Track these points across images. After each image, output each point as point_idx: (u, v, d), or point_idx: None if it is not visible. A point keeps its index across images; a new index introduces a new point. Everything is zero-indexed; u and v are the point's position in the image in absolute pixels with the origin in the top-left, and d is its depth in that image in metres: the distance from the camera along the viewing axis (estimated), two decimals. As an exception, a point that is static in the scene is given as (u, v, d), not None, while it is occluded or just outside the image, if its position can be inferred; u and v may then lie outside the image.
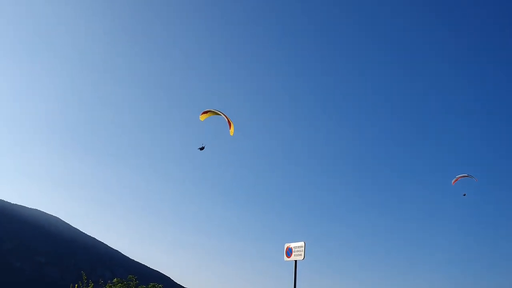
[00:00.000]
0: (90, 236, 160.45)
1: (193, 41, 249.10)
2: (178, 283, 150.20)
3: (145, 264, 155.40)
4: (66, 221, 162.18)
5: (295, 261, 13.22)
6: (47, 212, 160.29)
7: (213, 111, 23.40)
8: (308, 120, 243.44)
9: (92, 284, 14.22)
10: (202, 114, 23.48)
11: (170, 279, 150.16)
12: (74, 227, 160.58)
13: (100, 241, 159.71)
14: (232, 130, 23.21)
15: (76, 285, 14.19)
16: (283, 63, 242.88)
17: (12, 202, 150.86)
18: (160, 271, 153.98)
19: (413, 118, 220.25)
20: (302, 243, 13.04)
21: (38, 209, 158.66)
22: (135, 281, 15.25)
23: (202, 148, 24.32)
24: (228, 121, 23.28)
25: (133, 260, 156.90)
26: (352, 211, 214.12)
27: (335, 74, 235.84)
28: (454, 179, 35.37)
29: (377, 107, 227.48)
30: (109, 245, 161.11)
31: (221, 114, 23.28)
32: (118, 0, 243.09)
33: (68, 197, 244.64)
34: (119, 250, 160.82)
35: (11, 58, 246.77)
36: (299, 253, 12.93)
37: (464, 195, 36.85)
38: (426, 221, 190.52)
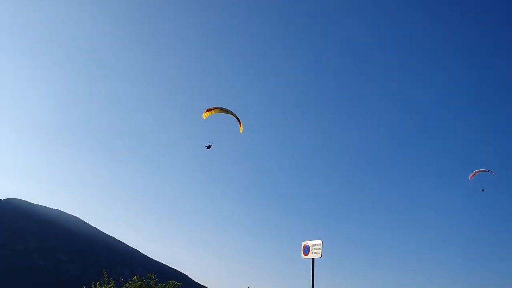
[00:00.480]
0: (109, 235, 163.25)
1: (203, 41, 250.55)
2: (196, 281, 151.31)
3: (163, 263, 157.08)
4: (85, 221, 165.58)
5: (313, 259, 13.14)
6: (67, 212, 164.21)
7: (218, 109, 22.81)
8: (320, 120, 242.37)
9: (113, 282, 14.45)
10: (205, 112, 22.85)
11: (188, 277, 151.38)
12: (93, 227, 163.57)
13: (119, 240, 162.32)
14: (241, 128, 22.89)
15: (97, 283, 14.45)
16: (291, 63, 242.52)
17: (34, 203, 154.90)
18: (178, 270, 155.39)
19: (425, 117, 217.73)
20: (319, 241, 12.92)
21: (59, 209, 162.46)
22: (155, 279, 15.43)
23: (209, 147, 23.62)
24: (237, 119, 22.96)
25: (152, 258, 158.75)
26: (370, 210, 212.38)
27: (347, 74, 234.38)
28: (472, 174, 34.36)
29: (391, 106, 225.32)
30: (128, 244, 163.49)
31: (229, 112, 22.87)
32: (129, 1, 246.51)
33: (87, 197, 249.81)
34: (138, 249, 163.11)
35: (30, 61, 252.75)
36: (317, 251, 12.82)
37: (483, 190, 35.82)
38: (441, 219, 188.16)
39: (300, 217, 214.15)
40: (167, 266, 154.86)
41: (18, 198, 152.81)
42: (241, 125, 22.84)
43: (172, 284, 15.71)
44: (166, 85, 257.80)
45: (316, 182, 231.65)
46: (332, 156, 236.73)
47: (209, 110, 22.73)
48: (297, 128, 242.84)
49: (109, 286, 14.54)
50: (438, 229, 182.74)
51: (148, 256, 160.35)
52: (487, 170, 33.98)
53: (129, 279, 15.26)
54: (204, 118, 22.69)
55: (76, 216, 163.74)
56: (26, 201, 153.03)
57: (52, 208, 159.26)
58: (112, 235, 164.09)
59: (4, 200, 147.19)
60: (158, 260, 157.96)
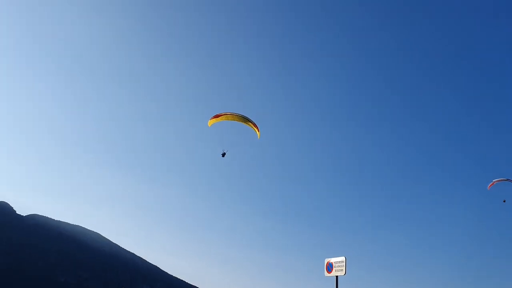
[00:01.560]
0: (129, 251, 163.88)
1: (233, 54, 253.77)
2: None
3: (183, 280, 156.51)
4: (106, 237, 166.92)
5: (336, 276, 12.71)
6: (88, 228, 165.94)
7: (228, 115, 20.89)
8: (343, 133, 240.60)
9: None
10: (212, 118, 21.04)
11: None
12: (114, 243, 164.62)
13: (139, 256, 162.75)
14: (259, 134, 21.57)
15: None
16: (314, 70, 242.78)
17: (56, 219, 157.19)
18: (198, 286, 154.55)
19: (442, 128, 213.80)
20: (343, 258, 12.52)
21: (80, 225, 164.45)
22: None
23: (223, 155, 22.68)
24: (254, 124, 21.49)
25: (172, 275, 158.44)
26: (394, 226, 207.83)
27: (367, 85, 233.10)
28: (491, 183, 33.15)
29: (413, 122, 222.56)
30: (148, 260, 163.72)
31: (240, 119, 21.13)
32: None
33: (108, 213, 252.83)
34: (158, 265, 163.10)
35: (54, 78, 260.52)
36: (340, 268, 12.52)
37: (504, 201, 34.56)
38: (464, 236, 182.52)
39: (323, 233, 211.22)
40: (187, 283, 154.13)
41: (40, 214, 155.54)
42: (259, 131, 21.45)
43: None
44: (184, 96, 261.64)
45: (340, 197, 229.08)
46: (357, 172, 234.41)
47: (216, 116, 21.00)
48: (321, 143, 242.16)
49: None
50: (460, 244, 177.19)
51: (168, 272, 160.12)
52: (508, 180, 32.72)
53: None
54: (209, 125, 21.01)
55: (97, 232, 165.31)
56: (48, 217, 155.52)
57: (73, 224, 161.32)
58: (132, 251, 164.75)
59: (26, 216, 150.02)
60: (178, 277, 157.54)
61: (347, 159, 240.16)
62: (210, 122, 21.25)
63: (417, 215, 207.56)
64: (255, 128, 21.66)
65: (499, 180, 32.63)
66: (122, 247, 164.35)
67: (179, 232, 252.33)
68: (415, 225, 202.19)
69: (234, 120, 21.35)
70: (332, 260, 12.75)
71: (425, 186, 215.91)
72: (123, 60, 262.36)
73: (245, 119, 21.44)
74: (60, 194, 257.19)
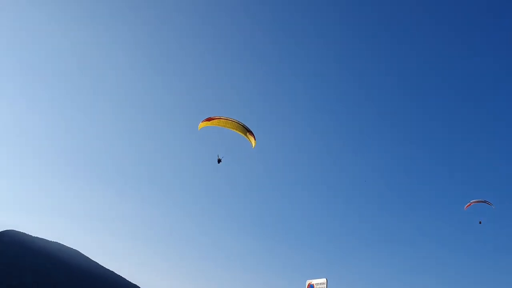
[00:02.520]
0: (109, 269, 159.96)
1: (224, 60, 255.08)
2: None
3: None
4: (85, 254, 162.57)
5: (318, 299, 12.07)
6: (67, 245, 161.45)
7: (221, 120, 19.49)
8: (322, 153, 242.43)
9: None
10: (203, 121, 19.92)
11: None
12: (94, 260, 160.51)
13: (119, 275, 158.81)
14: (254, 142, 19.97)
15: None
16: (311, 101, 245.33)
17: (33, 235, 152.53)
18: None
19: (431, 149, 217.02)
20: (324, 280, 12.17)
21: (59, 241, 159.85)
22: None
23: (219, 161, 21.74)
24: (250, 134, 20.19)
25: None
26: (374, 246, 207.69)
27: (360, 107, 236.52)
28: (467, 204, 32.94)
29: (402, 140, 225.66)
30: (128, 279, 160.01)
31: (234, 125, 19.88)
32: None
33: (87, 230, 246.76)
34: (138, 284, 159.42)
35: (34, 90, 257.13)
36: None
37: (480, 222, 34.24)
38: (451, 253, 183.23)
39: (304, 253, 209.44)
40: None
41: (16, 230, 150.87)
42: (254, 139, 20.00)
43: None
44: (170, 118, 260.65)
45: (321, 215, 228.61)
46: (339, 189, 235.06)
47: (208, 119, 19.74)
48: (308, 162, 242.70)
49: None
50: (446, 262, 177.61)
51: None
52: (485, 201, 32.58)
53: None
54: (199, 128, 19.79)
55: (76, 249, 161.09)
56: (24, 233, 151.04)
57: (51, 241, 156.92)
58: (112, 269, 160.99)
59: (1, 232, 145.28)
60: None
61: (333, 177, 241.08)
62: (201, 125, 20.06)
63: (403, 234, 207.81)
64: (250, 138, 20.28)
65: (476, 201, 32.53)
66: (102, 265, 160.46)
67: (160, 250, 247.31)
68: (401, 245, 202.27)
69: (226, 126, 19.94)
70: (313, 281, 12.41)
71: (412, 205, 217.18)
72: (101, 67, 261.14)
73: (241, 128, 20.09)
74: (37, 209, 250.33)
